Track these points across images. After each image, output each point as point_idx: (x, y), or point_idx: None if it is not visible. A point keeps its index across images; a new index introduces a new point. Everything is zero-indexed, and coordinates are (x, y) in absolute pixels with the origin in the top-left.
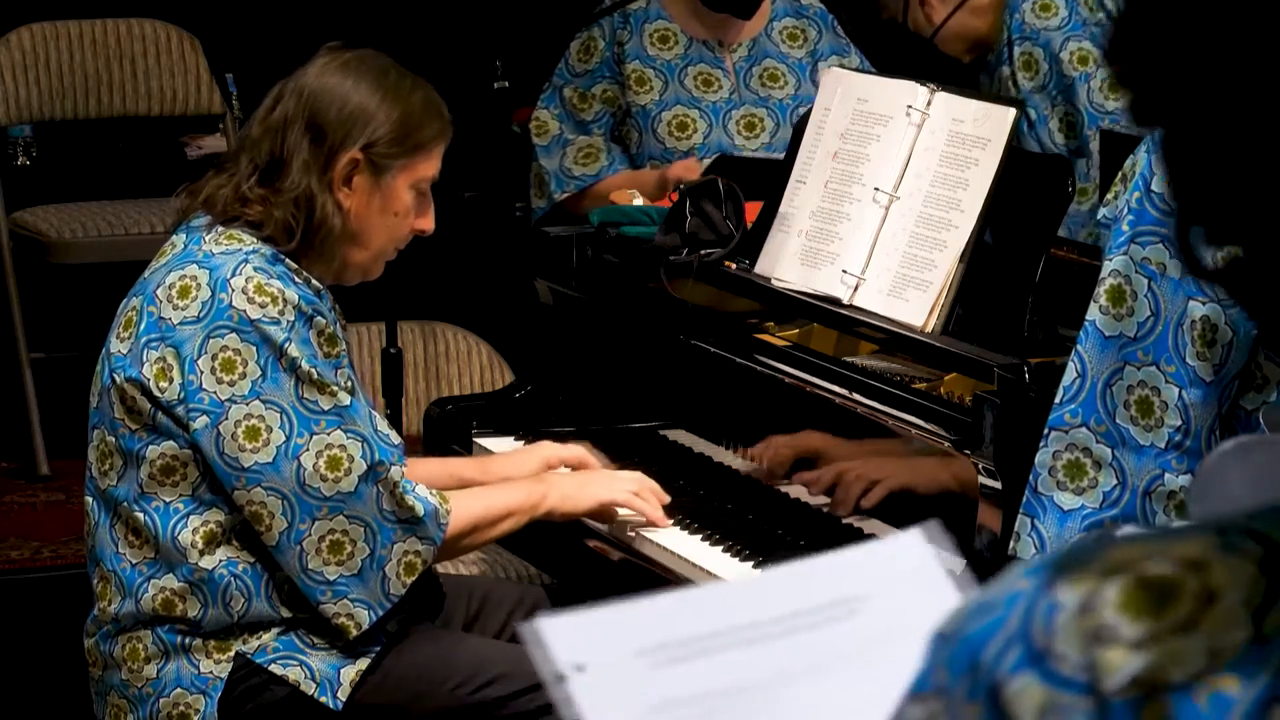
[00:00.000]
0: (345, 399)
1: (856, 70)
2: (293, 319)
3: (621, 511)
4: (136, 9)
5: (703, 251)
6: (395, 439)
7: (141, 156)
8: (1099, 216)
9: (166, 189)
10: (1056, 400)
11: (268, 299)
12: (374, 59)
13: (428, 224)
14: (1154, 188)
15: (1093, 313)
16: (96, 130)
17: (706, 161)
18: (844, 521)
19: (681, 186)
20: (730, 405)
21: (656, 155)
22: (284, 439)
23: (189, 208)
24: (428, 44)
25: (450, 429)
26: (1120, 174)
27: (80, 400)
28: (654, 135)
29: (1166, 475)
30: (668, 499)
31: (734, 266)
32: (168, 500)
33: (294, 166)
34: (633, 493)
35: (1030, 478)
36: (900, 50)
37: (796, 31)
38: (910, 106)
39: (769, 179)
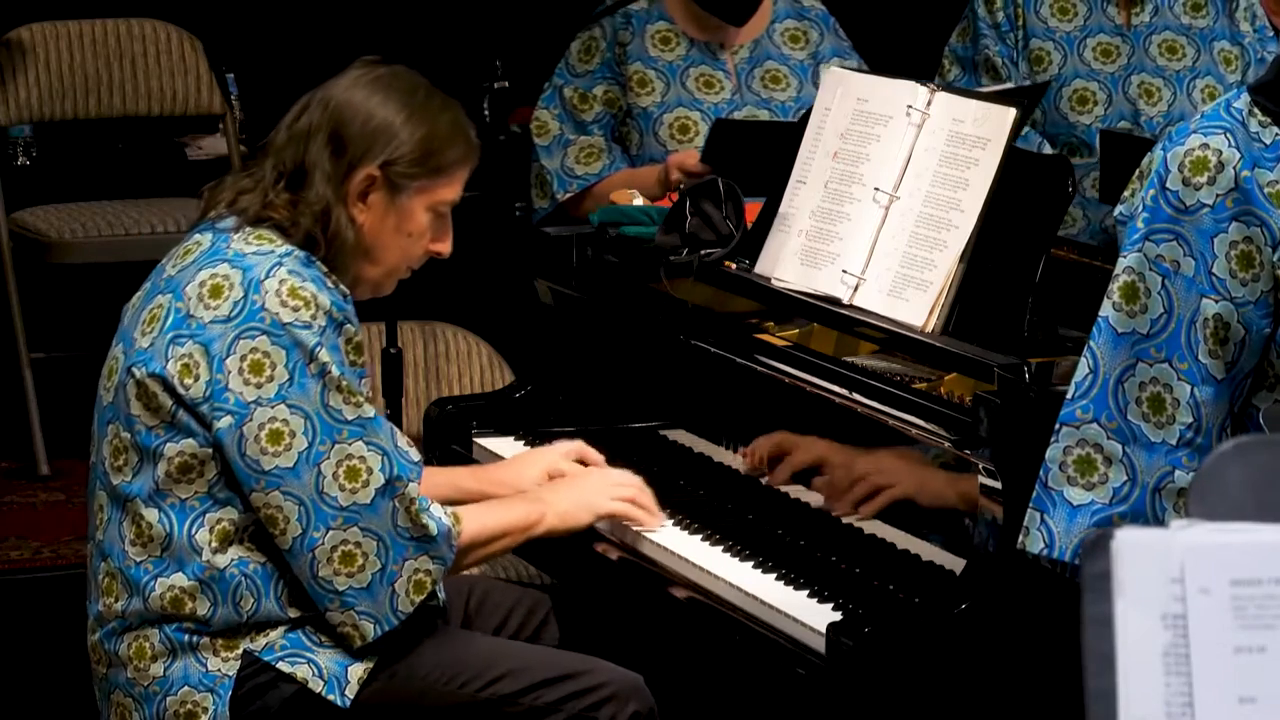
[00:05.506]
0: (369, 410)
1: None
2: (324, 324)
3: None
4: (136, 9)
5: (703, 251)
6: (415, 455)
7: (141, 156)
8: (1115, 213)
9: (166, 189)
10: (1068, 396)
11: (300, 303)
12: (406, 76)
13: (444, 247)
14: (1168, 185)
15: (1106, 309)
16: (96, 130)
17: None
18: (844, 522)
19: (682, 186)
20: (730, 405)
21: (658, 157)
22: (306, 445)
23: (210, 206)
24: (427, 44)
25: (450, 429)
26: (1137, 171)
27: (80, 400)
28: (655, 137)
29: (1177, 472)
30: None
31: (734, 266)
32: (183, 498)
33: (315, 177)
34: (629, 500)
35: (1040, 472)
36: (900, 52)
37: (798, 33)
38: (910, 106)
39: (768, 142)
